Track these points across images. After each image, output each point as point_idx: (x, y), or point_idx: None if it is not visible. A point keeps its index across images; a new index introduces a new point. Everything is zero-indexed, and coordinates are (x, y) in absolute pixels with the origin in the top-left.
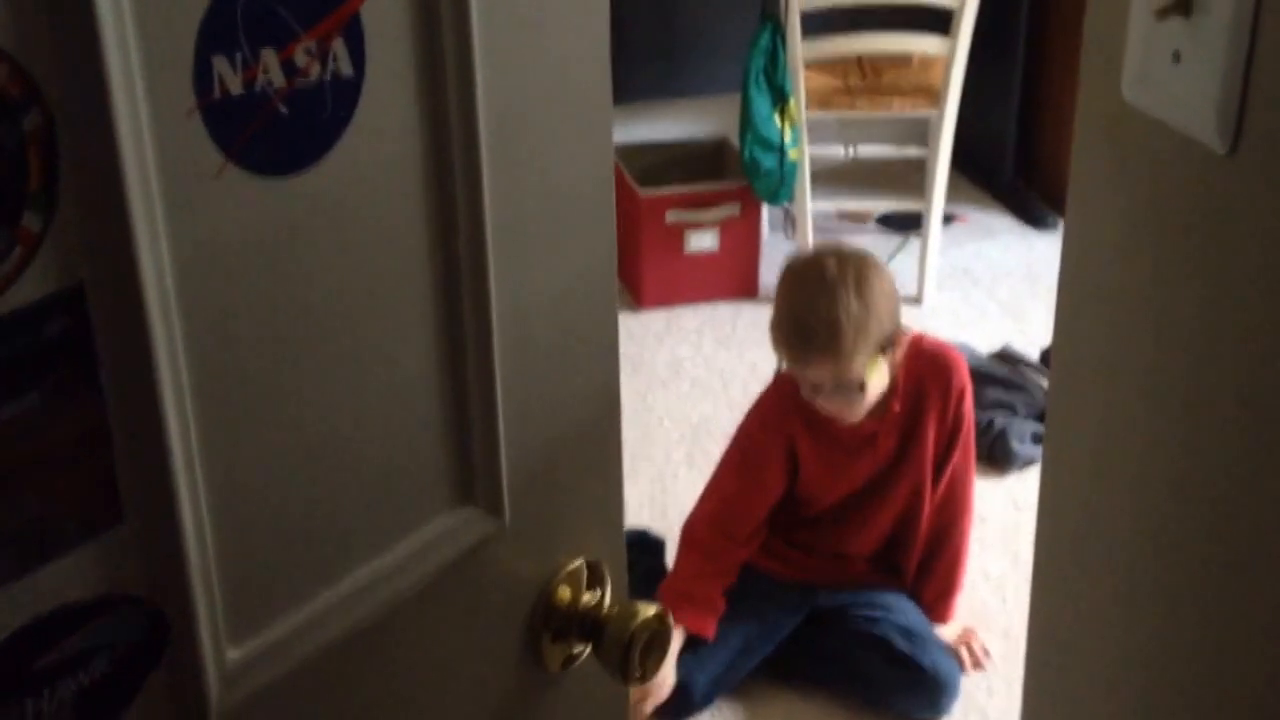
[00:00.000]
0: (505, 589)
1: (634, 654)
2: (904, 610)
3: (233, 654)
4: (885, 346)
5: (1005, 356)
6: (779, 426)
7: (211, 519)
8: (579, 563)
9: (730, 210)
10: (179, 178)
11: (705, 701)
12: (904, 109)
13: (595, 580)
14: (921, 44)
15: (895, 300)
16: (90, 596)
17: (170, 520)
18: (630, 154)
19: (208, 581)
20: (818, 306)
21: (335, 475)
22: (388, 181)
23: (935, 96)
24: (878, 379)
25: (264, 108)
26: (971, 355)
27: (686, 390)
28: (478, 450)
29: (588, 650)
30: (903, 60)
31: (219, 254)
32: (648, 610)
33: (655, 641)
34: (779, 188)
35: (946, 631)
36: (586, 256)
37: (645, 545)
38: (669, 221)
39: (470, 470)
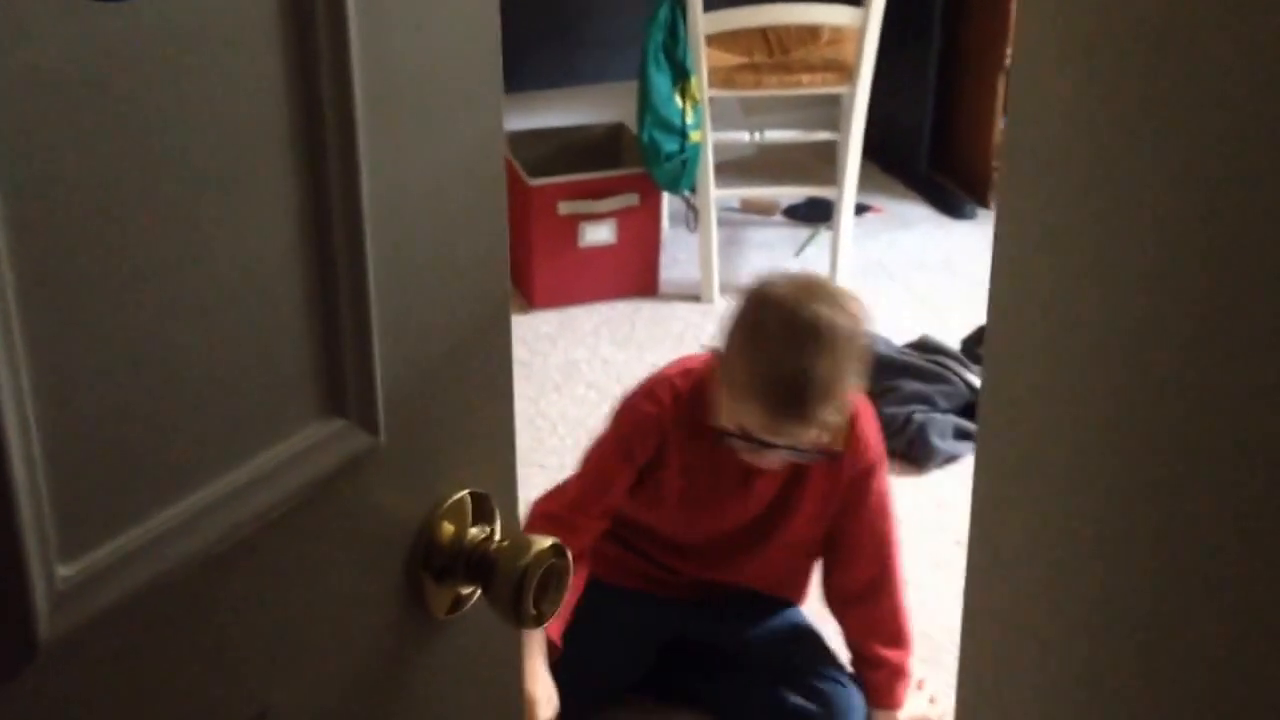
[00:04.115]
0: (381, 519)
1: (527, 592)
2: (792, 638)
3: (64, 571)
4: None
5: (924, 346)
6: (660, 426)
7: (36, 405)
8: (463, 494)
9: (628, 200)
10: None
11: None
12: (814, 86)
13: (483, 516)
14: (831, 14)
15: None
16: None
17: None
18: (519, 142)
19: (33, 478)
20: (815, 372)
21: (182, 369)
22: (241, 24)
23: (847, 72)
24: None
25: None
26: (886, 345)
27: (582, 394)
28: (348, 353)
29: (477, 592)
30: (811, 34)
31: (40, 87)
32: (541, 543)
33: (552, 577)
34: (680, 174)
35: (901, 715)
36: (472, 133)
37: None
38: (562, 213)
39: (340, 376)
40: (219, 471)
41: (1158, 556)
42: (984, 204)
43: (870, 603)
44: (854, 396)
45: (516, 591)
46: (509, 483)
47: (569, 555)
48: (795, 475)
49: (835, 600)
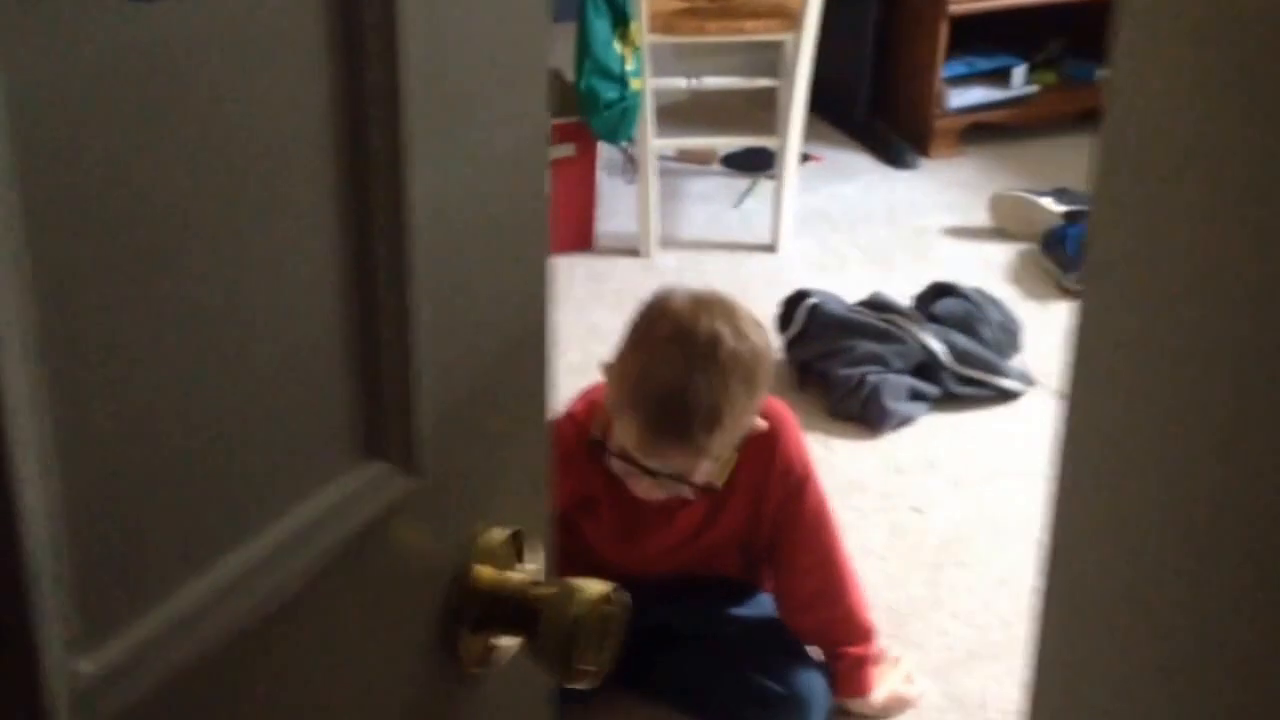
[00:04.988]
0: (417, 567)
1: (580, 646)
2: (757, 625)
3: (84, 666)
4: (742, 439)
5: (876, 305)
6: (579, 479)
7: (62, 475)
8: (501, 533)
9: (564, 151)
10: None
11: None
12: (759, 32)
13: (516, 554)
14: None
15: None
16: None
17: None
18: None
19: (55, 561)
20: (699, 389)
21: (216, 414)
22: (283, 18)
23: (792, 18)
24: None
25: None
26: (837, 303)
27: None
28: (388, 385)
29: (513, 642)
30: None
31: (66, 96)
32: (592, 589)
33: (608, 627)
34: (620, 123)
35: (875, 696)
36: (518, 129)
37: None
38: None
39: (379, 412)
40: (252, 532)
41: (1253, 561)
42: (925, 153)
43: (822, 609)
44: (771, 418)
45: (566, 645)
46: (541, 516)
47: (624, 600)
48: (716, 503)
49: (787, 613)
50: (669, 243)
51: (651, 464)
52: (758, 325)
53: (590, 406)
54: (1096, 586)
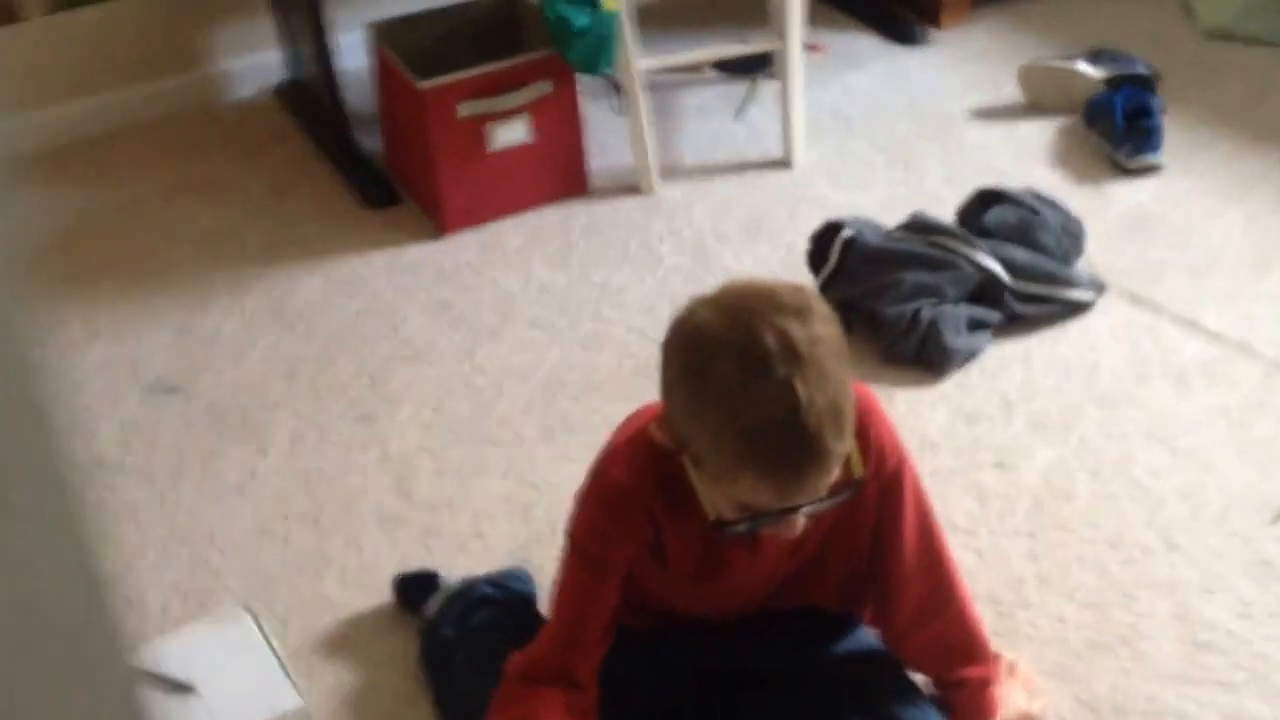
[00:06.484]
0: None
1: None
2: (857, 658)
3: None
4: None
5: (918, 227)
6: (639, 532)
7: None
8: None
9: (540, 89)
10: None
11: None
12: None
13: None
14: None
15: None
16: None
17: None
18: (394, 32)
19: None
20: (808, 403)
21: None
22: None
23: None
24: None
25: None
26: (874, 232)
27: (524, 335)
28: None
29: None
30: None
31: None
32: None
33: None
34: (598, 52)
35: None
36: None
37: (510, 604)
38: (463, 115)
39: None
40: None
41: None
42: (936, 24)
43: (933, 620)
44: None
45: None
46: None
47: None
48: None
49: (894, 636)
50: (671, 172)
51: (793, 503)
52: (798, 289)
53: (640, 440)
54: None
